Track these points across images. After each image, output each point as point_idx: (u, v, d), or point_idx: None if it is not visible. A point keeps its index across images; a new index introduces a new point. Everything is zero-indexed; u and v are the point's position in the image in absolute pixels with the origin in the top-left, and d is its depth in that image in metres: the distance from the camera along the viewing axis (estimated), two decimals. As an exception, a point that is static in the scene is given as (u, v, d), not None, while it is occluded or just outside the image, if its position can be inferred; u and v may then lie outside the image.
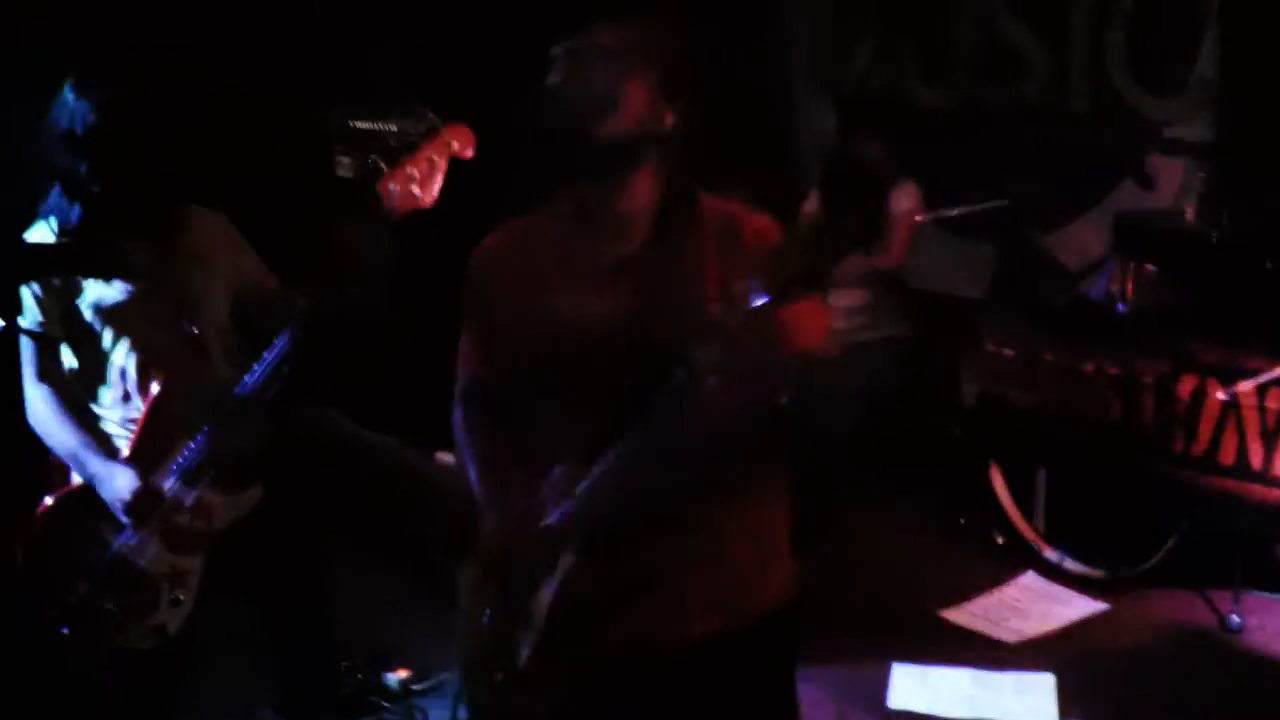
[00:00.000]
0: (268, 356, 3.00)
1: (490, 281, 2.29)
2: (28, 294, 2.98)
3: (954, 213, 4.60)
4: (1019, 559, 4.01)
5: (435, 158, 3.03)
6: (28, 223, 3.03)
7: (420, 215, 3.12)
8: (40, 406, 2.99)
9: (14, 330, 2.61)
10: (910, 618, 3.70)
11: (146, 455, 3.01)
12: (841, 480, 4.38)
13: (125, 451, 3.03)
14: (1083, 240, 4.59)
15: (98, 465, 2.99)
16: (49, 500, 2.97)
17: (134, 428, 3.04)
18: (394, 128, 5.07)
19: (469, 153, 3.06)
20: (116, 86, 2.94)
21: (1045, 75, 4.98)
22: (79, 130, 2.93)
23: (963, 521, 4.24)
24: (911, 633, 3.61)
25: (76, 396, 3.09)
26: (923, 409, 4.72)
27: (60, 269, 2.86)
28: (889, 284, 4.86)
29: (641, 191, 2.18)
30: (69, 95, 2.97)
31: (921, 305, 4.93)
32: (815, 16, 5.83)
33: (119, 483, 2.96)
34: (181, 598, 3.02)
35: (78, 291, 3.03)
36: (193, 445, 2.99)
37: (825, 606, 3.68)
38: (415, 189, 3.03)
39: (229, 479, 3.07)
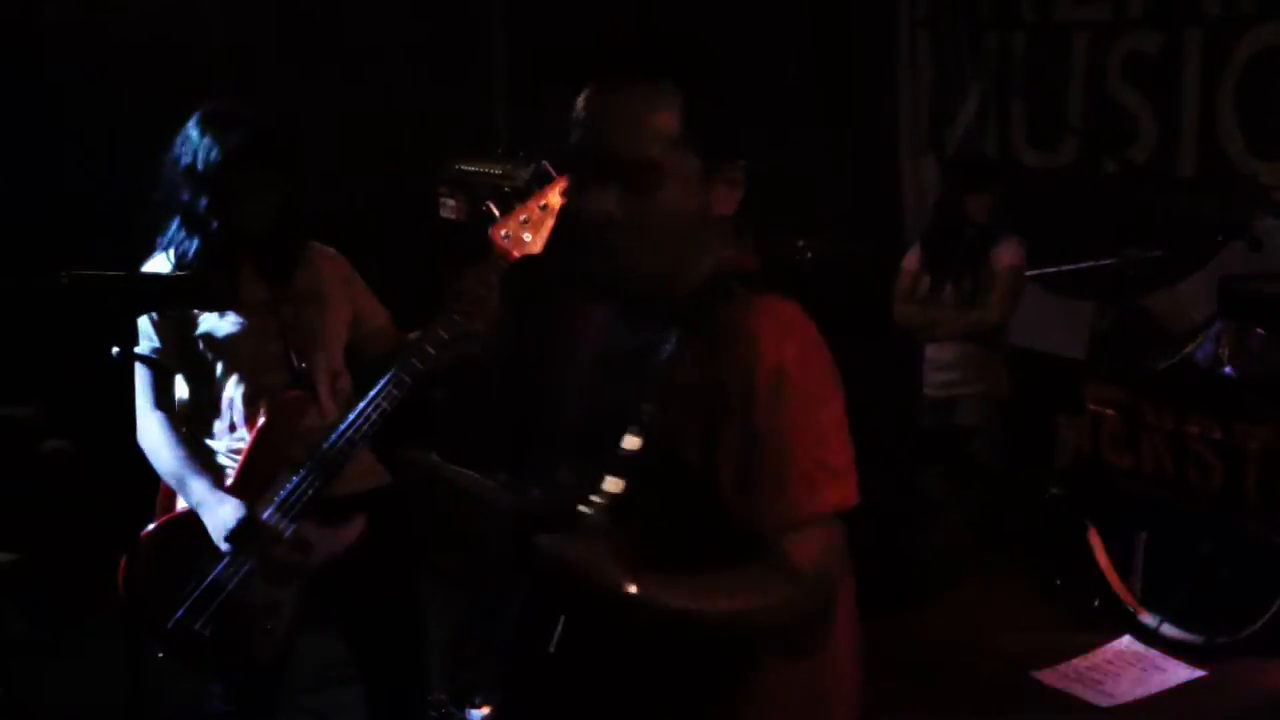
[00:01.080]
0: (368, 398, 3.05)
1: None
2: (145, 322, 3.04)
3: (1059, 270, 4.58)
4: (1115, 622, 3.94)
5: (548, 204, 3.07)
6: (147, 254, 3.13)
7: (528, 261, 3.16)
8: (153, 433, 3.04)
9: (131, 358, 2.65)
10: (1005, 679, 3.66)
11: (248, 486, 3.06)
12: (938, 538, 4.37)
13: (229, 481, 3.10)
14: (1189, 303, 4.54)
15: (204, 493, 3.05)
16: (153, 526, 3.03)
17: (239, 459, 3.11)
18: (498, 170, 5.17)
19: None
20: (243, 126, 3.03)
21: (1154, 138, 4.95)
22: (200, 166, 3.00)
23: (1059, 583, 4.18)
24: (1006, 694, 3.57)
25: (187, 425, 3.16)
26: (1019, 467, 4.68)
27: (178, 301, 2.91)
28: (989, 339, 4.84)
29: None
30: (193, 131, 3.05)
31: (1023, 363, 4.90)
32: (926, 75, 5.86)
33: (223, 512, 3.00)
34: (274, 627, 3.06)
35: (193, 323, 3.10)
36: (295, 480, 3.05)
37: (922, 666, 3.69)
38: (526, 234, 3.06)
39: (329, 514, 3.12)
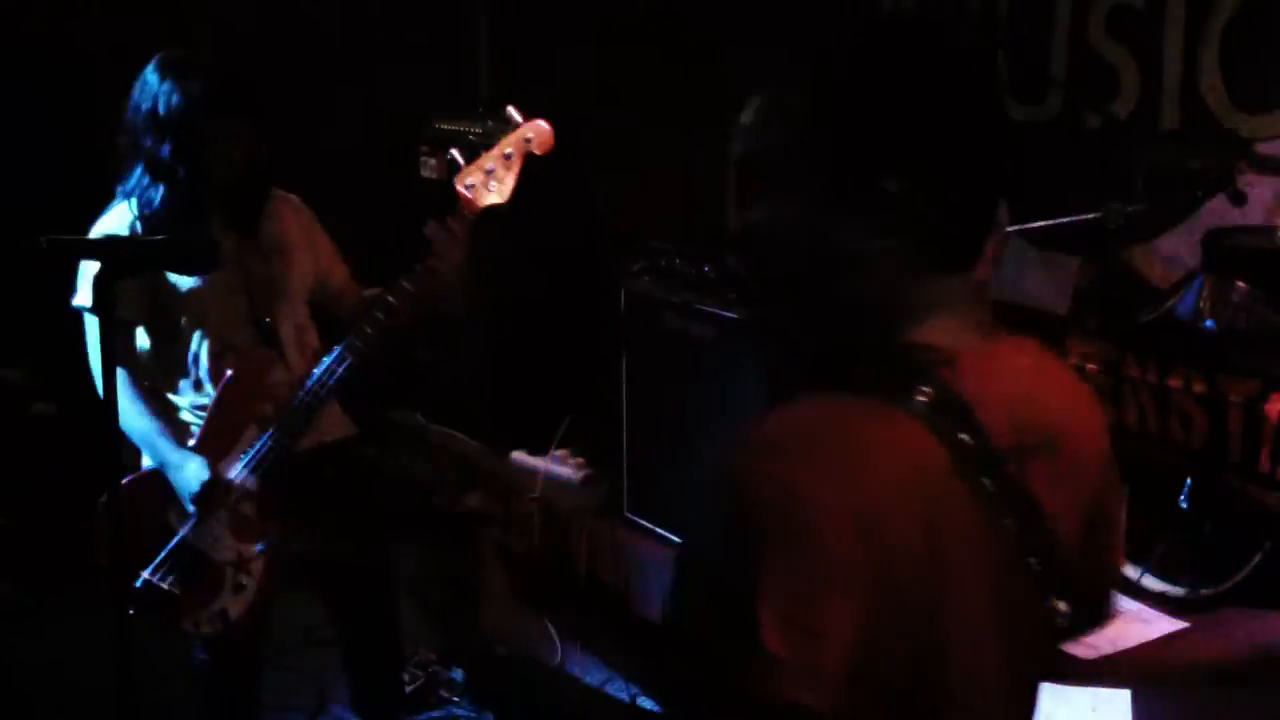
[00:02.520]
0: (334, 352, 3.04)
1: None
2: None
3: (1040, 225, 4.57)
4: (1098, 575, 3.96)
5: (510, 152, 3.03)
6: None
7: (498, 213, 3.13)
8: (122, 394, 2.95)
9: (95, 312, 2.62)
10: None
11: (214, 444, 3.06)
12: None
13: (194, 440, 3.08)
14: (1171, 256, 4.54)
15: (169, 452, 3.05)
16: (122, 482, 3.02)
17: (204, 415, 3.09)
18: (478, 129, 5.14)
19: (545, 150, 3.07)
20: (203, 72, 2.99)
21: (1137, 91, 4.93)
22: (162, 111, 2.97)
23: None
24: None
25: (151, 381, 3.14)
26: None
27: (160, 264, 2.90)
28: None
29: None
30: (152, 76, 3.00)
31: (1005, 317, 4.91)
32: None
33: (189, 471, 3.01)
34: (245, 583, 3.07)
35: (161, 278, 3.07)
36: (264, 437, 3.04)
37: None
38: (491, 184, 3.04)
39: (298, 471, 3.12)
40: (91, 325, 3.00)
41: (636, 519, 4.53)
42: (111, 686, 2.35)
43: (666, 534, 4.39)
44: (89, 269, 2.95)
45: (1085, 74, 5.12)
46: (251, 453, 3.06)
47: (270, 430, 3.06)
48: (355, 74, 5.47)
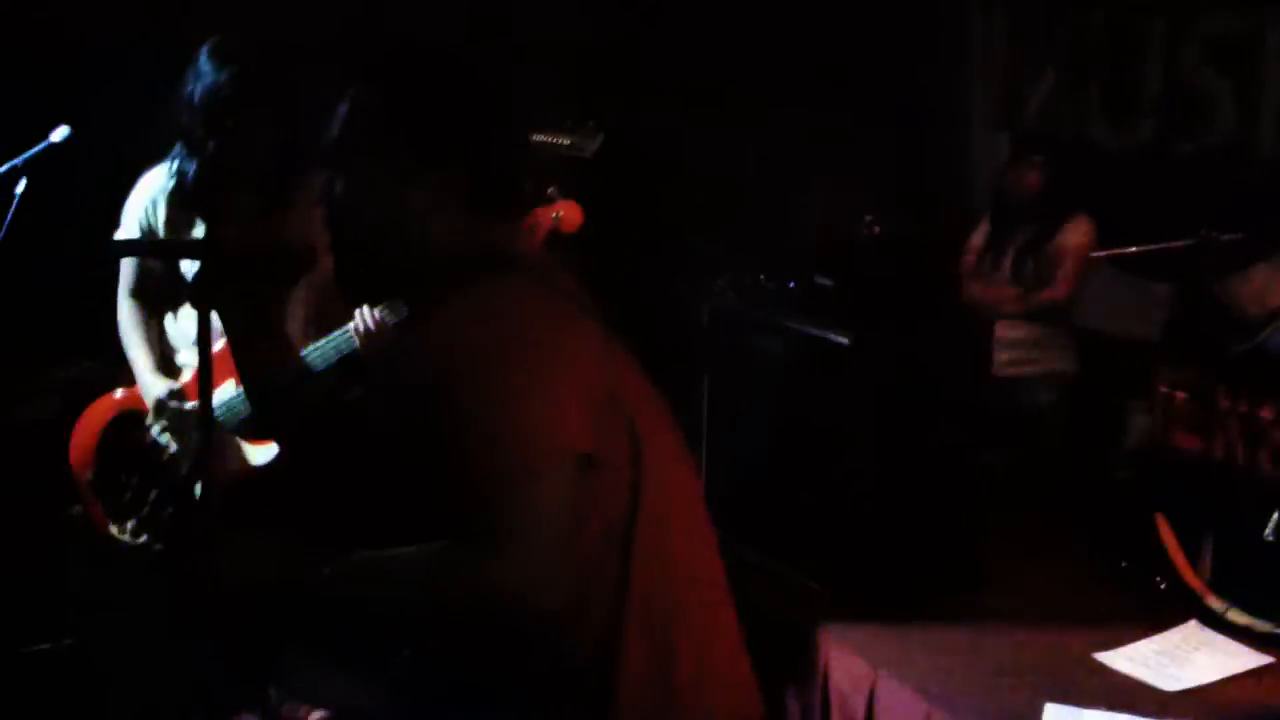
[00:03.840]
0: (330, 336, 3.16)
1: None
2: (135, 222, 3.35)
3: (1130, 251, 4.53)
4: (1181, 607, 3.90)
5: (536, 226, 3.14)
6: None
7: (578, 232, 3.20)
8: (123, 319, 3.42)
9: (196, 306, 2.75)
10: (1068, 661, 3.63)
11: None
12: (999, 518, 4.34)
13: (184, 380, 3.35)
14: (1265, 286, 4.47)
15: (145, 373, 3.38)
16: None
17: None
18: (565, 140, 5.17)
19: (570, 229, 3.18)
20: (237, 63, 3.15)
21: (1232, 119, 4.88)
22: (195, 97, 3.19)
23: (1124, 565, 4.15)
24: (1066, 674, 3.54)
25: (160, 320, 3.45)
26: (1086, 448, 4.64)
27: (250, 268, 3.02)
28: (1056, 318, 4.80)
29: None
30: (200, 60, 3.23)
31: (1091, 343, 4.86)
32: (1001, 51, 5.80)
33: (156, 387, 3.34)
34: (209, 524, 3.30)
35: (179, 233, 3.34)
36: (239, 390, 3.18)
37: (982, 647, 3.67)
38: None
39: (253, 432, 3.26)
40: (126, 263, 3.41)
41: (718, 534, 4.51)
42: (190, 674, 2.37)
43: (744, 546, 4.37)
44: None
45: (1179, 101, 5.08)
46: (225, 399, 3.19)
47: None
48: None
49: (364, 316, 3.12)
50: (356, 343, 3.13)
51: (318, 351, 3.14)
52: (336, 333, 3.17)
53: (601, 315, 2.08)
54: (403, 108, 1.94)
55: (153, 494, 3.32)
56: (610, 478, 1.88)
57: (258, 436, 3.28)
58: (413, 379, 1.88)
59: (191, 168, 3.29)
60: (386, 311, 3.11)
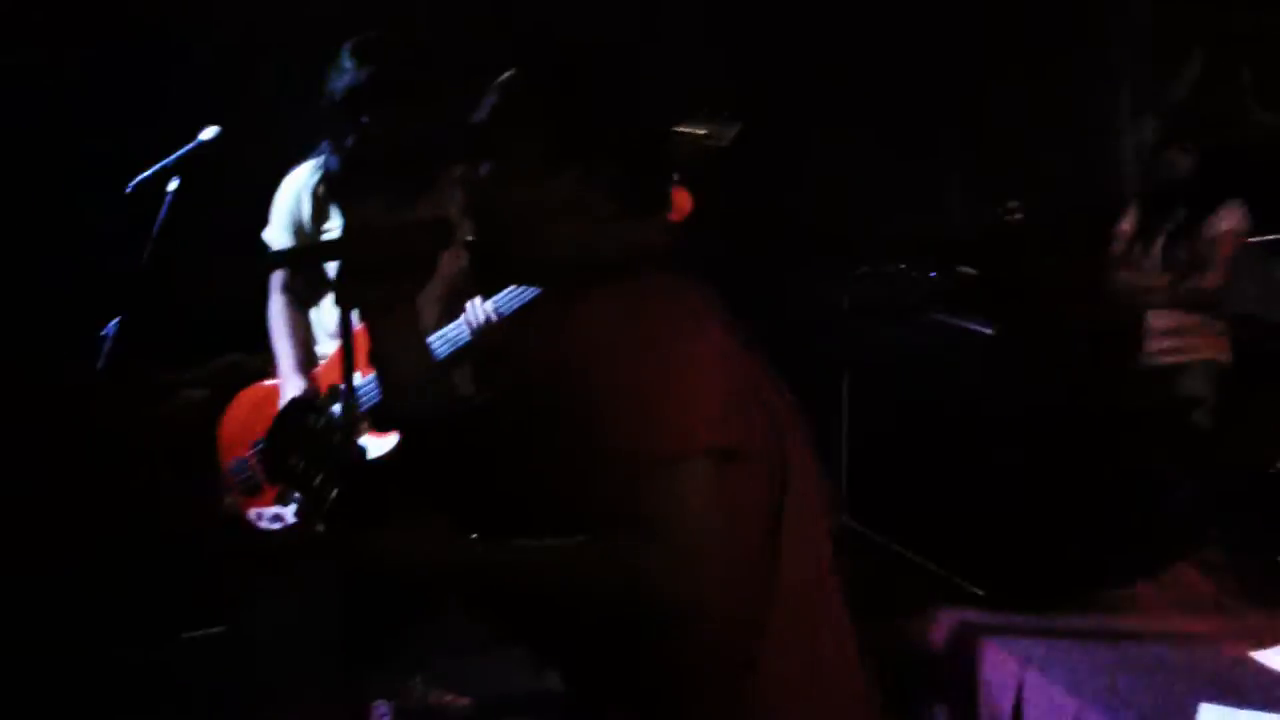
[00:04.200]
0: (453, 325, 3.20)
1: None
2: (283, 218, 3.42)
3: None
4: (1343, 604, 3.78)
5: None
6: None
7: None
8: (273, 313, 3.49)
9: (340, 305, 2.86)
10: (1221, 657, 3.53)
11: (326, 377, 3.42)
12: (1157, 511, 4.24)
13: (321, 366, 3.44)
14: None
15: (287, 369, 3.45)
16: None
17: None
18: (703, 130, 5.15)
19: (679, 217, 3.18)
20: (374, 62, 3.21)
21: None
22: (336, 94, 3.28)
23: (1281, 561, 4.03)
24: (1221, 673, 3.44)
25: (306, 313, 3.53)
26: (1242, 439, 4.50)
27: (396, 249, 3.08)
28: (1209, 306, 4.66)
29: None
30: (342, 58, 3.30)
31: (1246, 331, 4.71)
32: (1148, 31, 5.65)
33: (289, 388, 3.41)
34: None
35: (325, 226, 3.43)
36: (368, 380, 3.22)
37: (1137, 642, 3.59)
38: None
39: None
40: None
41: (855, 526, 4.48)
42: (341, 662, 2.41)
43: (885, 541, 4.33)
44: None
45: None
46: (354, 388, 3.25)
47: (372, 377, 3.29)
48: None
49: (477, 309, 3.16)
50: (469, 336, 3.18)
51: (433, 345, 3.20)
52: (449, 326, 3.22)
53: (735, 309, 2.07)
54: (552, 98, 1.94)
55: (318, 478, 3.37)
56: (754, 471, 1.86)
57: (381, 428, 3.35)
58: (549, 370, 1.87)
59: (334, 162, 3.38)
60: (499, 304, 3.16)
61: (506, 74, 1.98)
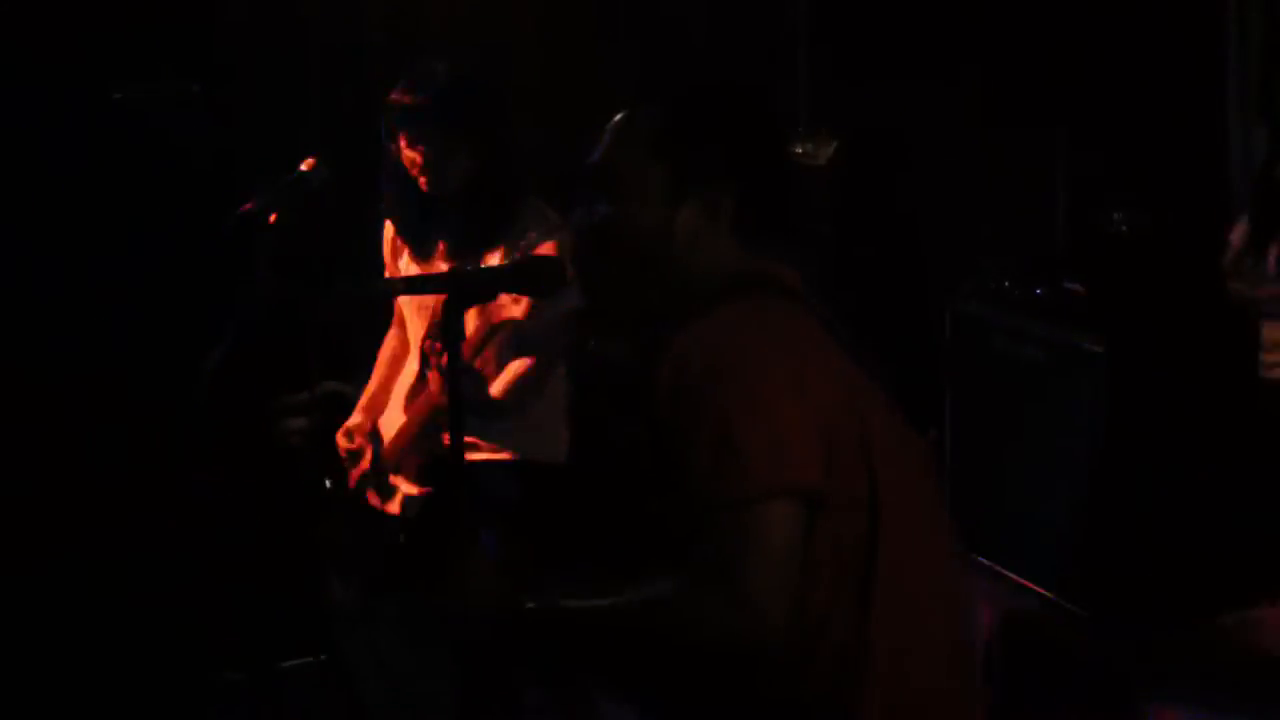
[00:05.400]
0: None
1: None
2: (388, 258, 3.54)
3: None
4: None
5: None
6: None
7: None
8: (385, 342, 3.63)
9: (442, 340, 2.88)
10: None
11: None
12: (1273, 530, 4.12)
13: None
14: None
15: (358, 406, 3.60)
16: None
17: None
18: (798, 149, 5.09)
19: None
20: (420, 89, 3.18)
21: None
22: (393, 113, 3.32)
23: None
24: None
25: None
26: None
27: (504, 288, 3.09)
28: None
29: None
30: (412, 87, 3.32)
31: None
32: (1257, 35, 5.50)
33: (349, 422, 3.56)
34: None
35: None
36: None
37: (1263, 667, 3.48)
38: None
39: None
40: None
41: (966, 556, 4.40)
42: (448, 688, 2.40)
43: (990, 564, 4.24)
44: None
45: None
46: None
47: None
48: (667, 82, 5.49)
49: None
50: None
51: None
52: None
53: (852, 337, 2.03)
54: (679, 130, 1.96)
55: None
56: (842, 518, 1.82)
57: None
58: (650, 400, 1.86)
59: (395, 194, 3.47)
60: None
61: (622, 113, 1.99)
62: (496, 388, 3.28)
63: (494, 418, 3.25)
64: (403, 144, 3.22)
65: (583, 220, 1.99)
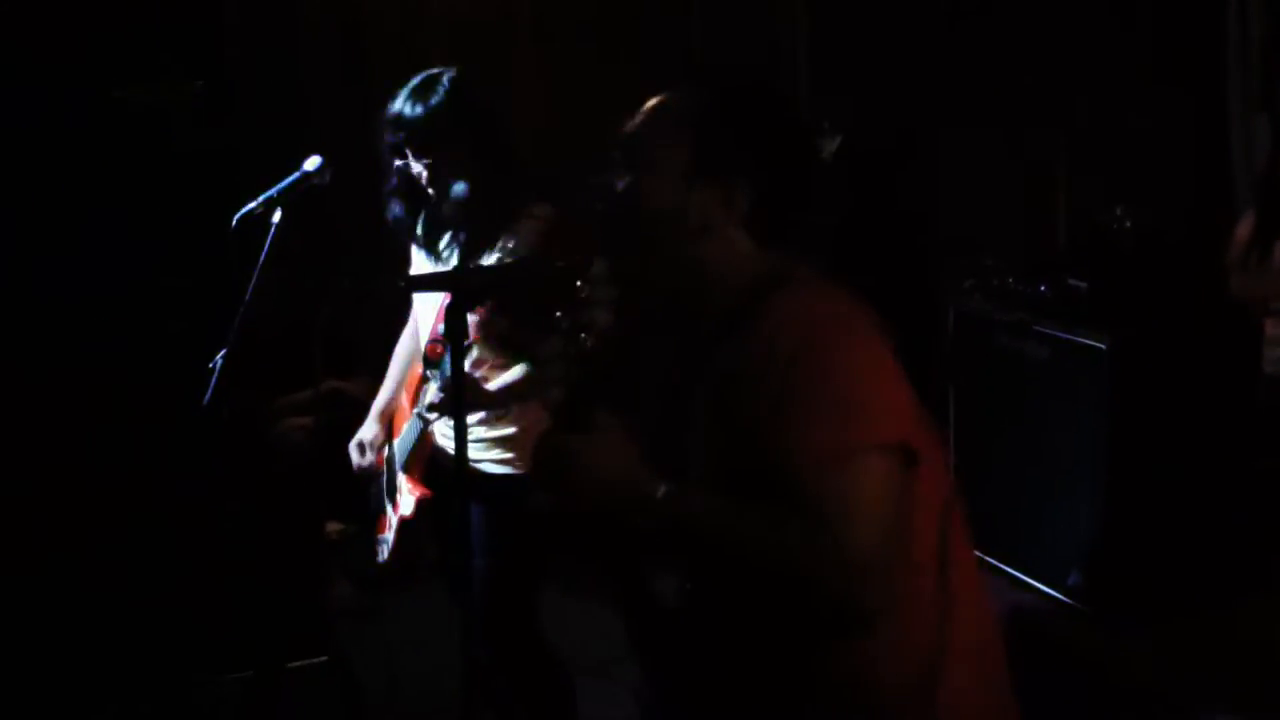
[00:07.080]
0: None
1: None
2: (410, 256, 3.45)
3: None
4: None
5: None
6: None
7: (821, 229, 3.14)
8: (400, 345, 3.60)
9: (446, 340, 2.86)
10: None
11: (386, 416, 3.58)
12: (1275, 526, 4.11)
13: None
14: None
15: (374, 408, 3.57)
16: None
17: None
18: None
19: None
20: (420, 101, 3.15)
21: None
22: (389, 136, 3.25)
23: None
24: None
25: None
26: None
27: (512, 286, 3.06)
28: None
29: None
30: (416, 94, 3.26)
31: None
32: (1258, 29, 5.49)
33: (364, 428, 3.54)
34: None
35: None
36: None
37: (1249, 662, 3.48)
38: None
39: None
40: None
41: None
42: (453, 686, 2.39)
43: (995, 563, 4.24)
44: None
45: None
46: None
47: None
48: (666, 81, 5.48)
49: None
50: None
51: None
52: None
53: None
54: (706, 115, 1.97)
55: None
56: (929, 473, 1.90)
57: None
58: (738, 371, 1.90)
59: (399, 207, 3.38)
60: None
61: (659, 95, 2.01)
62: (495, 386, 3.26)
63: (492, 413, 3.25)
64: (408, 155, 3.19)
65: (605, 186, 2.01)
